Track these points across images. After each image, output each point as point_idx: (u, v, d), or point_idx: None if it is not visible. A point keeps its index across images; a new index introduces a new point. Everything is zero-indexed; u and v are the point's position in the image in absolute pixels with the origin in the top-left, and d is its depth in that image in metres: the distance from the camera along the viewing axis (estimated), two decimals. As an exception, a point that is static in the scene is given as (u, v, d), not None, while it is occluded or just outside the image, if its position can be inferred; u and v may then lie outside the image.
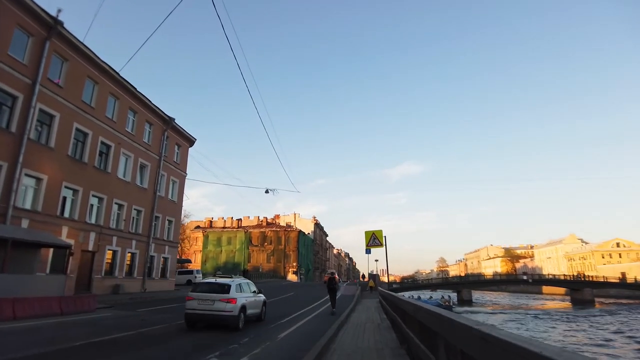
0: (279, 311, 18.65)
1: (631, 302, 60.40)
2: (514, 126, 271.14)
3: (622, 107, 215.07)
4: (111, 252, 24.43)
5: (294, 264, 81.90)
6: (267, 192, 32.71)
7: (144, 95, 27.46)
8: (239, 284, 12.98)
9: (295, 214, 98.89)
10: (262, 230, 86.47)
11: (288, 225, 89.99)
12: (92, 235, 22.50)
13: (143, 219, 27.67)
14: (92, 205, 22.81)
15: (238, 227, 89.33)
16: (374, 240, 19.18)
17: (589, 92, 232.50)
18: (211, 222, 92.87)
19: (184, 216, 74.50)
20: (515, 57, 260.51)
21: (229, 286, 12.28)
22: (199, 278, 43.86)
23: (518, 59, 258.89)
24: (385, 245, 20.78)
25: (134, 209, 26.80)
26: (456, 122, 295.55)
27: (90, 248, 22.35)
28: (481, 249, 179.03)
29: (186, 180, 34.40)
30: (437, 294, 62.19)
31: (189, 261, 62.29)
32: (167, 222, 31.23)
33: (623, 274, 79.86)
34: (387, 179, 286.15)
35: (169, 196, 31.72)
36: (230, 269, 70.39)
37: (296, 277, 74.86)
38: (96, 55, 22.48)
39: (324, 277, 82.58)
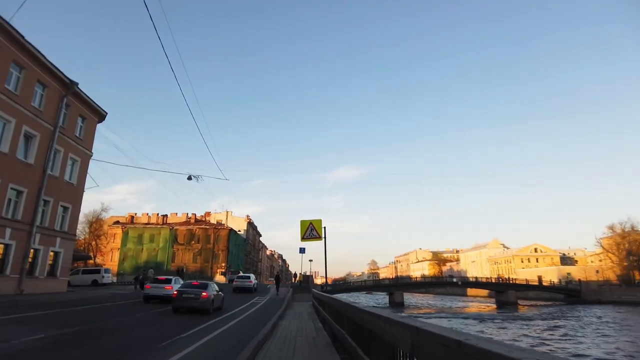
0: (194, 317, 14.74)
1: (549, 304, 63.09)
2: (441, 135, 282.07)
3: (545, 124, 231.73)
4: (-28, 241, 18.84)
5: (223, 265, 76.79)
6: (189, 178, 28.25)
7: (35, 48, 21.97)
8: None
9: (227, 212, 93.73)
10: (190, 227, 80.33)
11: (219, 223, 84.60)
12: (-59, 218, 16.93)
13: (25, 202, 21.99)
14: (-58, 178, 17.25)
15: (163, 224, 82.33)
16: (311, 231, 15.89)
17: (509, 102, 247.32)
18: (133, 217, 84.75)
19: (102, 210, 66.82)
20: (430, 62, 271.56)
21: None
22: (108, 278, 38.02)
23: (433, 63, 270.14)
24: (325, 237, 17.54)
25: (11, 189, 21.11)
26: (391, 127, 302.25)
27: (-63, 235, 16.79)
28: (411, 252, 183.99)
29: (104, 168, 28.93)
30: (374, 297, 60.66)
31: (89, 257, 55.15)
32: (60, 209, 25.59)
33: (540, 277, 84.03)
34: (325, 183, 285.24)
35: (66, 177, 26.12)
36: (153, 268, 63.70)
37: (225, 278, 69.74)
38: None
39: (269, 281, 79.89)
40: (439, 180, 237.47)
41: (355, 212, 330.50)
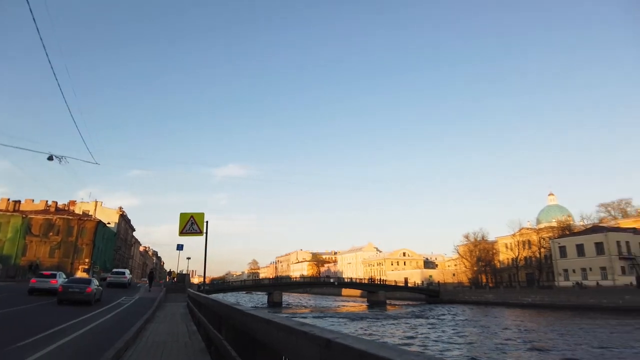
0: (36, 321, 12.57)
1: (413, 303, 69.50)
2: (325, 143, 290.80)
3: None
4: None
5: (87, 260, 68.83)
6: (50, 159, 24.18)
7: None
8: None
9: (96, 202, 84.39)
10: (49, 217, 70.30)
11: (85, 214, 75.70)
12: None
13: None
14: None
15: (14, 211, 70.58)
16: (191, 225, 14.82)
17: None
18: (-27, 202, 71.33)
19: None
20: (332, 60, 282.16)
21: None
22: None
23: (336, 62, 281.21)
24: (207, 233, 16.55)
25: None
26: (275, 128, 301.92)
27: None
28: (292, 253, 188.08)
29: None
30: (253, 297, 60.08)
31: None
32: None
33: (406, 279, 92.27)
34: (211, 179, 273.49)
35: None
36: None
37: (87, 276, 62.53)
38: None
39: (142, 281, 73.95)
40: (321, 183, 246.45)
41: (239, 210, 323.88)
